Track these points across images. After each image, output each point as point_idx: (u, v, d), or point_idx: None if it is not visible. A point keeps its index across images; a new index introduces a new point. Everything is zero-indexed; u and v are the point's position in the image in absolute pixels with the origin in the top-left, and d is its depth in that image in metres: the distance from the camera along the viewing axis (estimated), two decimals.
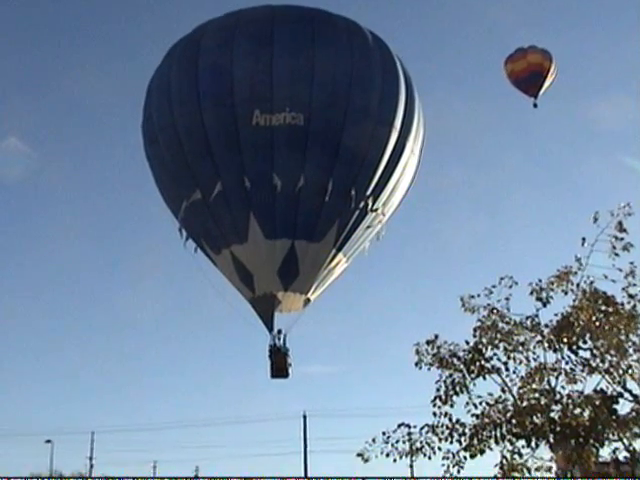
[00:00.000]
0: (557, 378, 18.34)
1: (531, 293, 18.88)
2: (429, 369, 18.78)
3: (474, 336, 18.83)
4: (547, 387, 18.28)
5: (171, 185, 25.23)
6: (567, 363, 18.38)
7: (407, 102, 24.71)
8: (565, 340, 18.34)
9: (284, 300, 25.06)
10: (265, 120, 23.36)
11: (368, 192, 24.33)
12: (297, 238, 24.30)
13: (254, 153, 23.61)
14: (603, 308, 18.40)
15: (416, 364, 18.89)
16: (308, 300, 25.59)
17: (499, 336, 18.63)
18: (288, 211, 24.03)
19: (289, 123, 23.36)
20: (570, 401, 17.92)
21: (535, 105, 37.09)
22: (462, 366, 18.60)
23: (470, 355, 18.65)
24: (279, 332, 25.22)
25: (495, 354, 18.68)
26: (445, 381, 18.55)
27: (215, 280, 26.36)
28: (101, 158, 57.76)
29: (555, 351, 18.48)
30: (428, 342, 18.90)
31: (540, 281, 18.88)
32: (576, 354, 18.31)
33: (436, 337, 18.92)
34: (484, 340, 18.68)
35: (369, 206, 24.56)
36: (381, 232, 25.82)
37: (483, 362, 18.57)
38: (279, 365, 24.87)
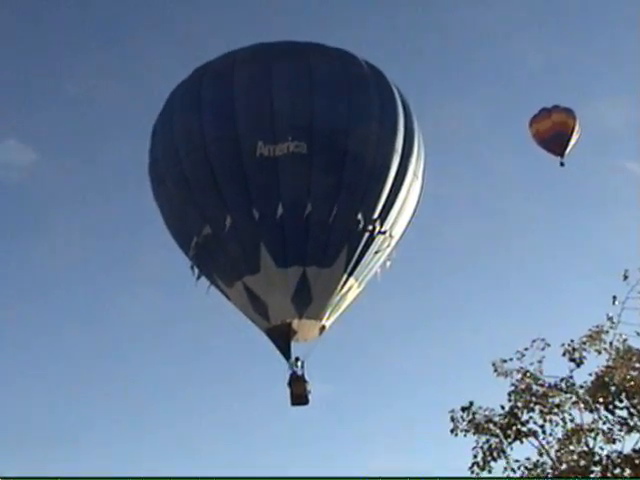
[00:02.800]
0: (595, 439, 18.22)
1: (564, 354, 18.81)
2: (465, 435, 18.65)
3: (509, 400, 18.73)
4: (585, 448, 18.16)
5: (180, 223, 25.42)
6: (604, 423, 18.27)
7: (406, 127, 25.04)
8: (601, 400, 18.23)
9: (299, 328, 25.11)
10: (269, 151, 23.75)
11: (375, 215, 24.54)
12: (308, 265, 24.44)
13: (260, 184, 23.97)
14: (637, 365, 18.28)
15: (451, 431, 18.81)
16: (323, 328, 25.59)
17: (534, 399, 18.54)
18: (297, 239, 24.25)
19: (292, 152, 23.74)
20: (609, 462, 17.78)
21: (562, 164, 37.28)
22: (498, 431, 18.48)
23: (506, 419, 18.54)
24: (296, 359, 25.15)
25: (531, 417, 18.58)
26: (482, 447, 18.45)
27: (228, 314, 26.61)
28: (101, 158, 57.06)
29: (591, 411, 18.38)
30: (463, 409, 18.79)
31: (572, 341, 18.82)
32: (613, 413, 18.20)
33: (471, 404, 18.84)
34: (519, 404, 18.56)
35: (377, 229, 24.72)
36: (391, 255, 25.80)
37: (519, 426, 18.45)
38: (298, 392, 24.80)
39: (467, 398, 18.96)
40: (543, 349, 18.86)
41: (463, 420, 18.77)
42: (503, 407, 18.73)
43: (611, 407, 18.25)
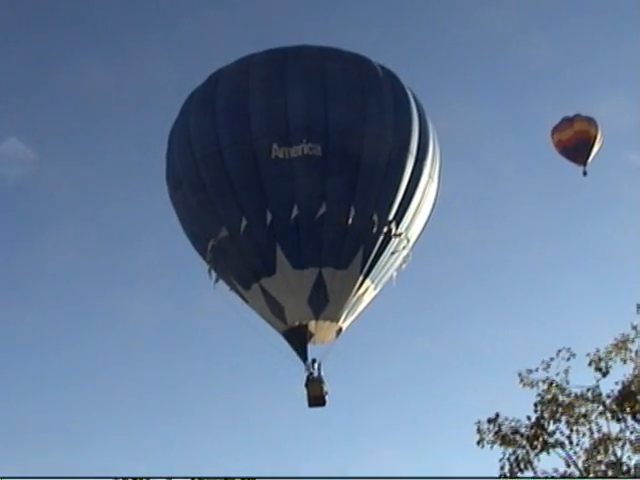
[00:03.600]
0: (622, 448, 18.21)
1: (590, 364, 18.73)
2: (491, 447, 18.60)
3: (535, 411, 18.68)
4: (613, 458, 18.12)
5: (197, 227, 25.49)
6: (632, 433, 18.26)
7: (421, 130, 24.99)
8: (628, 409, 18.21)
9: (316, 331, 25.03)
10: (284, 153, 23.76)
11: (390, 217, 24.42)
12: (324, 266, 24.35)
13: (275, 186, 23.96)
14: None
15: (478, 442, 18.74)
16: (340, 330, 25.48)
17: (560, 409, 18.47)
18: (313, 240, 24.18)
19: (307, 154, 23.70)
20: (638, 471, 17.71)
21: (585, 173, 37.00)
22: (525, 442, 18.43)
23: (532, 430, 18.48)
24: (313, 361, 25.04)
25: (558, 428, 18.53)
26: (509, 458, 18.39)
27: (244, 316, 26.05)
28: (102, 158, 56.73)
29: (618, 421, 18.35)
30: (489, 420, 18.73)
31: (598, 351, 18.74)
32: None
33: (497, 415, 18.77)
34: (545, 414, 18.50)
35: (392, 231, 24.58)
36: (407, 258, 25.62)
37: (546, 437, 18.39)
38: (315, 394, 24.70)
39: (493, 409, 18.91)
40: (569, 359, 18.81)
41: (489, 431, 18.70)
42: (529, 418, 18.69)
43: (638, 416, 18.17)
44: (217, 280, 25.66)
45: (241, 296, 25.70)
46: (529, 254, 52.96)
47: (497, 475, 18.37)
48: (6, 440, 45.91)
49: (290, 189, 24.01)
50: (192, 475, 20.65)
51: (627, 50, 51.55)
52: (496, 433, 18.64)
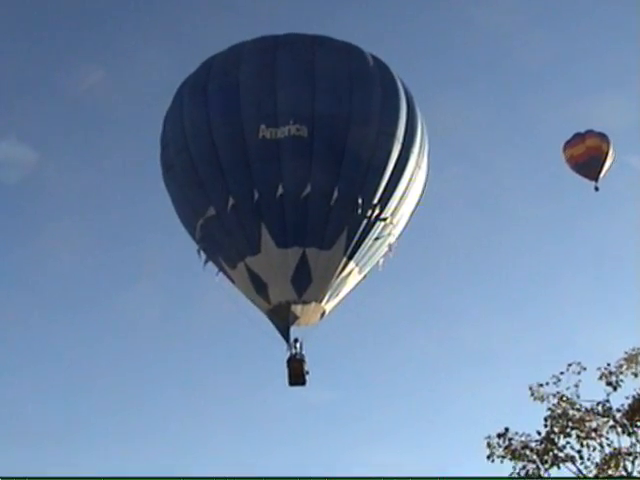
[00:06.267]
0: (633, 462, 18.24)
1: (600, 378, 18.61)
2: (502, 462, 18.53)
3: (545, 425, 18.59)
4: (624, 472, 18.13)
5: (187, 206, 25.63)
6: None
7: (409, 119, 24.97)
8: (638, 423, 18.11)
9: (300, 313, 25.02)
10: (271, 133, 23.83)
11: (375, 200, 24.38)
12: (308, 246, 24.37)
13: (262, 165, 24.01)
14: None
15: (488, 457, 18.66)
16: (324, 312, 25.41)
17: (571, 424, 18.41)
18: (297, 219, 24.20)
19: (294, 135, 23.79)
20: None
21: (597, 189, 36.70)
22: (535, 457, 18.38)
23: (543, 445, 18.42)
24: (295, 341, 25.00)
25: (568, 442, 18.49)
26: (519, 473, 18.35)
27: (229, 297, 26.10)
28: (102, 157, 56.02)
29: (629, 435, 18.39)
30: (499, 435, 18.61)
31: (609, 365, 18.61)
32: None
33: (506, 430, 18.66)
34: (556, 429, 18.42)
35: (377, 214, 24.57)
36: (393, 245, 25.52)
37: (556, 451, 18.35)
38: (296, 372, 24.73)
39: (503, 423, 18.79)
40: (579, 373, 18.63)
41: (499, 446, 18.60)
42: (539, 432, 18.60)
43: None
44: (206, 261, 25.68)
45: (228, 276, 25.64)
46: (534, 258, 52.44)
47: None
48: (6, 440, 45.37)
49: (276, 169, 23.99)
50: (192, 475, 20.34)
51: (628, 51, 50.76)
52: (506, 448, 18.49)
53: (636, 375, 18.47)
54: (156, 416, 49.89)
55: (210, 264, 25.71)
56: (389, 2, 55.35)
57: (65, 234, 51.25)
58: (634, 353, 18.56)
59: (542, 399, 18.72)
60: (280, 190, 23.88)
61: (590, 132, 36.60)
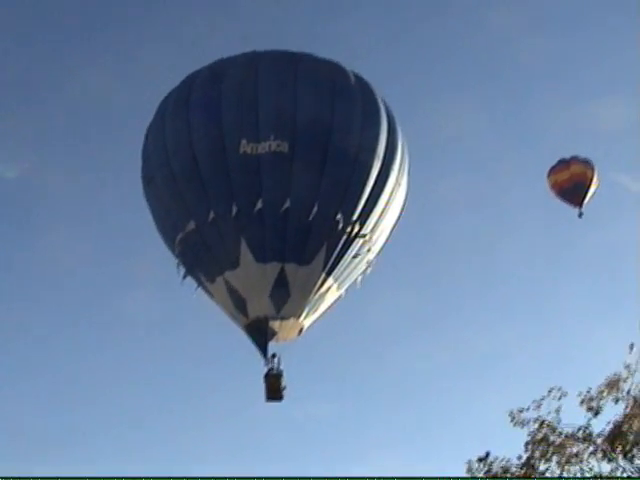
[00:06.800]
0: None
1: (581, 403, 18.53)
2: None
3: (526, 450, 18.49)
4: None
5: (168, 220, 25.75)
6: (623, 472, 18.13)
7: (389, 137, 25.30)
8: (619, 449, 18.09)
9: (278, 327, 25.18)
10: (252, 149, 24.02)
11: (354, 217, 24.66)
12: (286, 261, 24.57)
13: (242, 180, 24.23)
14: None
15: None
16: (302, 328, 25.69)
17: (551, 449, 18.30)
18: (276, 235, 24.38)
19: (274, 150, 23.99)
20: None
21: (580, 215, 36.73)
22: None
23: (523, 470, 18.33)
24: (273, 356, 25.14)
25: (548, 468, 18.39)
26: None
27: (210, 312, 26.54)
28: (101, 159, 55.80)
29: (610, 461, 18.27)
30: (480, 459, 18.51)
31: (590, 390, 18.53)
32: (632, 462, 18.10)
33: (487, 454, 18.55)
34: (536, 454, 18.33)
35: (356, 231, 24.84)
36: (372, 262, 25.88)
37: (537, 476, 18.25)
38: (273, 387, 24.87)
39: (483, 448, 18.67)
40: (560, 398, 18.53)
41: (479, 471, 18.49)
42: (520, 457, 18.47)
43: (630, 456, 18.13)
44: (185, 276, 25.79)
45: (207, 291, 25.79)
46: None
47: None
48: (5, 440, 45.12)
49: (256, 184, 24.19)
50: (192, 475, 20.15)
51: (629, 54, 50.86)
52: (487, 472, 18.38)
53: (617, 401, 18.36)
54: (152, 415, 49.81)
55: (189, 279, 25.77)
56: (394, 6, 55.12)
57: (63, 234, 51.13)
58: (615, 379, 18.45)
59: (522, 424, 18.58)
60: (259, 205, 24.05)
61: (575, 158, 36.66)
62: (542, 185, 36.38)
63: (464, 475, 18.83)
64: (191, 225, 24.63)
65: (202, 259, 25.22)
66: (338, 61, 26.08)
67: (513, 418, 18.75)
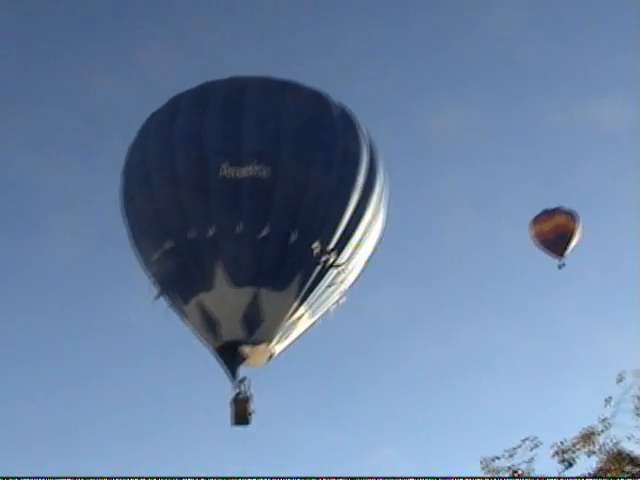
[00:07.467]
0: None
1: (555, 454, 18.29)
2: None
3: None
4: None
5: (144, 239, 25.87)
6: None
7: (370, 168, 25.68)
8: None
9: (249, 353, 25.28)
10: (234, 172, 24.30)
11: (330, 247, 24.97)
12: (261, 286, 24.67)
13: (221, 203, 24.42)
14: (629, 469, 17.95)
15: None
16: (272, 355, 25.83)
17: None
18: (252, 260, 24.51)
19: (254, 176, 24.26)
20: None
21: (561, 266, 36.65)
22: None
23: None
24: (242, 380, 25.20)
25: None
26: None
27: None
28: (101, 158, 55.75)
29: None
30: None
31: (563, 443, 18.30)
32: None
33: None
34: None
35: (332, 261, 25.12)
36: (346, 292, 26.22)
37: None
38: (240, 412, 24.78)
39: None
40: (532, 449, 18.28)
41: None
42: None
43: None
44: (157, 297, 25.84)
45: (180, 311, 25.80)
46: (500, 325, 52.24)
47: None
48: (5, 440, 44.74)
49: (236, 207, 24.41)
50: (192, 475, 19.80)
51: (629, 54, 50.94)
52: None
53: (590, 454, 18.14)
54: (151, 417, 49.57)
55: (161, 300, 25.89)
56: (390, 5, 55.11)
57: (64, 234, 51.51)
58: (590, 432, 18.23)
59: (494, 473, 18.31)
60: (239, 229, 24.23)
61: (559, 209, 36.65)
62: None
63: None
64: (169, 244, 24.73)
65: (177, 279, 25.29)
66: (324, 92, 26.61)
67: (485, 466, 18.47)
